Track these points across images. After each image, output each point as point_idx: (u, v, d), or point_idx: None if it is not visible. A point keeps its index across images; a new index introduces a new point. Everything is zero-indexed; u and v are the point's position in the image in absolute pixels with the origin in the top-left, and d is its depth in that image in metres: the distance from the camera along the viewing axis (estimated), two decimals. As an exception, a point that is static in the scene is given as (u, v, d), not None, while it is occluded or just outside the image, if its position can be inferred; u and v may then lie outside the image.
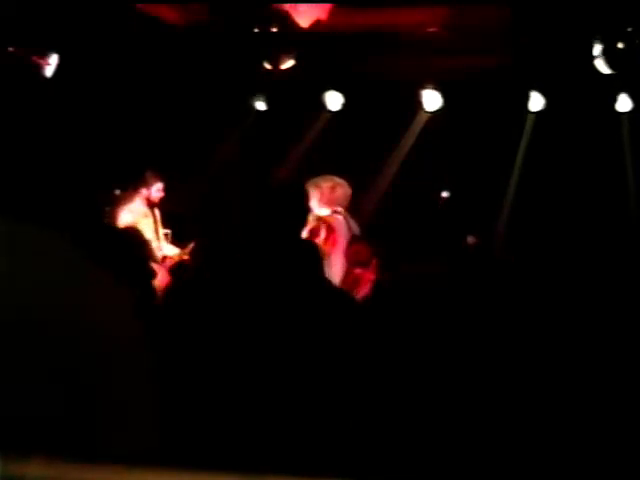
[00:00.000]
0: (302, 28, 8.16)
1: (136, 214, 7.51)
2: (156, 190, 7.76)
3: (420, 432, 4.56)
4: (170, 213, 7.96)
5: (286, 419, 4.40)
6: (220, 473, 1.61)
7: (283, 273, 5.16)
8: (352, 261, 6.12)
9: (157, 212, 7.83)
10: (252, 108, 9.87)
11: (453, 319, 4.97)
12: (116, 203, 7.47)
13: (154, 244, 7.13)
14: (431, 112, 9.41)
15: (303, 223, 6.33)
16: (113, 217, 7.25)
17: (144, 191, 7.71)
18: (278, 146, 9.75)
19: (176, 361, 4.47)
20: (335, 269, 6.43)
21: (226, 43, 8.53)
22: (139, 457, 1.72)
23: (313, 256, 5.33)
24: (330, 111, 9.67)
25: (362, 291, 5.87)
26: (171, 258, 7.50)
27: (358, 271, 6.06)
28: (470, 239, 7.79)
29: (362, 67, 8.92)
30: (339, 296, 5.41)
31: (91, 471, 1.56)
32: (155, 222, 7.84)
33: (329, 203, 7.62)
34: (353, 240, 6.50)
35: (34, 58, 8.11)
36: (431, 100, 9.30)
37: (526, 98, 9.19)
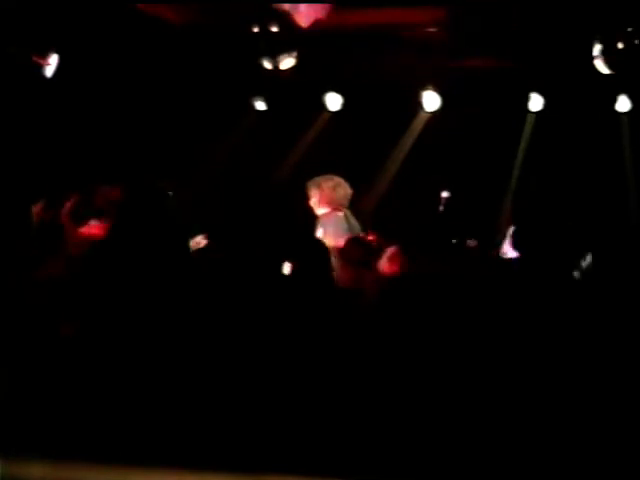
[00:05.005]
0: (302, 28, 8.14)
1: None
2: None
3: (422, 432, 4.54)
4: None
5: (290, 418, 4.38)
6: (220, 473, 1.61)
7: (291, 272, 5.16)
8: (347, 260, 6.08)
9: None
10: (252, 108, 9.86)
11: (455, 318, 4.97)
12: None
13: None
14: (431, 112, 9.40)
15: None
16: None
17: None
18: (278, 146, 9.75)
19: (181, 360, 4.45)
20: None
21: (226, 43, 8.53)
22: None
23: (322, 255, 5.32)
24: (330, 111, 9.67)
25: (365, 290, 5.85)
26: None
27: (358, 270, 6.03)
28: (471, 242, 7.77)
29: (362, 67, 8.91)
30: (343, 295, 5.40)
31: (91, 471, 1.56)
32: None
33: (330, 203, 7.62)
34: (352, 239, 6.47)
35: (34, 58, 8.09)
36: (431, 100, 9.30)
37: (526, 98, 9.19)
